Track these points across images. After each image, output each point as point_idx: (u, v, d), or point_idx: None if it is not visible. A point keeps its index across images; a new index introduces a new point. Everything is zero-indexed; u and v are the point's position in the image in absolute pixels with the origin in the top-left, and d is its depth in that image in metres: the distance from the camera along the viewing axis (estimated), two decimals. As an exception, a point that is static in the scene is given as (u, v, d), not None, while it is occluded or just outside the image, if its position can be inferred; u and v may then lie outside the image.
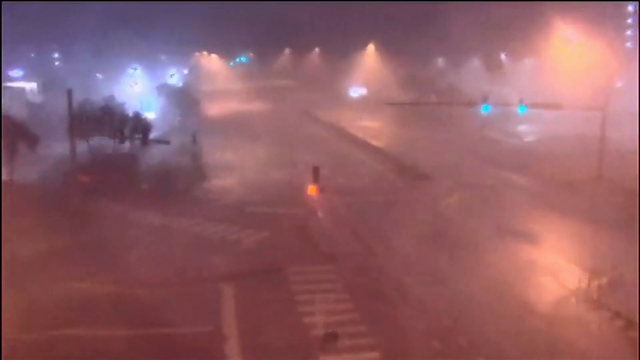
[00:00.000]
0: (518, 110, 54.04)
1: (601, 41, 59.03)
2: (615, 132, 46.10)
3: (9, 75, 79.20)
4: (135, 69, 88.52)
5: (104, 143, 44.26)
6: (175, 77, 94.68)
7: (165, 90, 75.79)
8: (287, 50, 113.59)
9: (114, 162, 42.21)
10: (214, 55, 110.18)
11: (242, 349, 20.69)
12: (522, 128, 67.47)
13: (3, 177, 38.24)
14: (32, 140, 39.76)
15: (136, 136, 39.24)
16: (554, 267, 27.25)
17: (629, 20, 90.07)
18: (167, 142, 41.22)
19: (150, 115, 57.61)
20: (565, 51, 77.51)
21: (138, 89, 78.87)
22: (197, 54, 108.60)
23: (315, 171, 33.65)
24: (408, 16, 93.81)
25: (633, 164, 39.66)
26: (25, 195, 35.57)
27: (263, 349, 20.65)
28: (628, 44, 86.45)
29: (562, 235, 31.43)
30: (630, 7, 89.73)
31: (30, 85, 77.47)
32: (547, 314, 23.00)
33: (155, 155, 44.86)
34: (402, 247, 29.98)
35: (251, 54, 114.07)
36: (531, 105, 52.87)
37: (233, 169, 48.37)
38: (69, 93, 33.14)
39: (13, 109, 42.14)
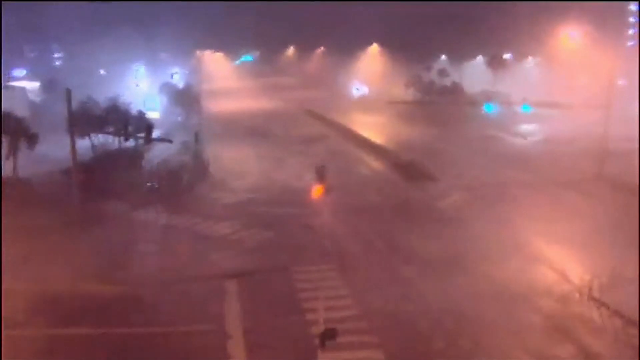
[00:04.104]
0: (521, 109, 54.17)
1: (604, 40, 59.07)
2: (617, 130, 45.94)
3: (11, 75, 79.38)
4: (137, 69, 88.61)
5: (108, 141, 44.61)
6: (177, 75, 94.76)
7: (168, 89, 75.85)
8: (291, 49, 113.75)
9: (117, 160, 42.38)
10: (218, 54, 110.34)
11: (246, 347, 20.68)
12: (526, 127, 67.19)
13: (5, 174, 38.49)
14: (32, 138, 40.02)
15: (139, 135, 39.27)
16: (558, 265, 27.18)
17: (632, 19, 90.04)
18: (169, 141, 41.30)
19: (153, 114, 57.83)
20: (568, 50, 77.52)
21: (141, 87, 78.98)
22: (199, 52, 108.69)
23: (321, 171, 33.59)
24: (412, 15, 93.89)
25: (633, 163, 39.80)
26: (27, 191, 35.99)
27: (266, 347, 20.64)
28: (630, 43, 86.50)
29: (565, 234, 31.30)
30: (633, 6, 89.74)
31: (32, 85, 77.65)
32: (549, 310, 23.00)
33: (158, 153, 44.96)
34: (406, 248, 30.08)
35: (256, 53, 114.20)
36: (535, 104, 52.88)
37: (236, 168, 48.38)
38: (68, 93, 33.27)
39: (15, 108, 42.18)
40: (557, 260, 27.52)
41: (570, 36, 75.79)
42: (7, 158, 39.22)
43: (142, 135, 38.37)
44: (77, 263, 27.55)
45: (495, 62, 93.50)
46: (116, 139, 43.96)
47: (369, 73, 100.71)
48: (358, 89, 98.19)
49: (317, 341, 20.04)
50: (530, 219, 32.76)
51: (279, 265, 27.70)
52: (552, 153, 51.85)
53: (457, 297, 23.90)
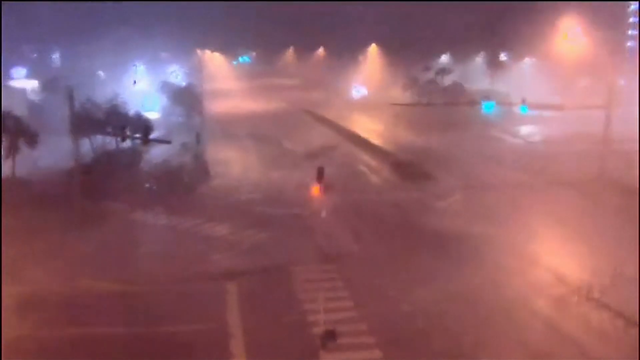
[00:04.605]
0: (520, 109, 53.90)
1: (604, 41, 59.04)
2: (617, 131, 45.82)
3: (10, 75, 79.30)
4: (135, 66, 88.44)
5: (106, 141, 44.60)
6: (177, 75, 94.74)
7: (167, 88, 75.77)
8: (290, 49, 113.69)
9: (115, 160, 42.40)
10: (217, 54, 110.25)
11: (247, 346, 20.65)
12: (526, 129, 66.99)
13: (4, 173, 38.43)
14: (31, 137, 39.96)
15: (137, 135, 39.17)
16: (558, 266, 27.12)
17: (631, 20, 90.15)
18: (168, 142, 41.23)
19: (152, 115, 57.80)
20: (568, 51, 77.61)
21: (140, 87, 78.84)
22: (199, 52, 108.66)
23: (320, 171, 33.43)
24: (411, 16, 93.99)
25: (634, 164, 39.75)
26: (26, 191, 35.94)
27: (267, 347, 20.61)
28: (629, 43, 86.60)
29: (565, 234, 31.28)
30: (633, 6, 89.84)
31: (32, 84, 77.59)
32: (549, 311, 22.92)
33: (159, 154, 44.96)
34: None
35: (254, 53, 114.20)
36: (533, 106, 52.68)
37: (236, 168, 48.34)
38: (70, 91, 33.25)
39: (13, 107, 42.12)
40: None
41: (570, 36, 75.94)
42: (7, 157, 39.13)
43: (140, 136, 38.19)
44: (78, 263, 27.63)
45: (494, 63, 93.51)
46: (114, 140, 43.94)
47: (369, 74, 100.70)
48: (358, 90, 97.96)
49: (318, 342, 20.04)
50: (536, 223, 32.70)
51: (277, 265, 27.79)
52: (553, 155, 51.64)
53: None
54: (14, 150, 39.54)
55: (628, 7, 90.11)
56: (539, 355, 20.10)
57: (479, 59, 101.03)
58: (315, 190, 33.73)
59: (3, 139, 39.12)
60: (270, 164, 49.86)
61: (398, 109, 72.69)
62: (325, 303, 21.88)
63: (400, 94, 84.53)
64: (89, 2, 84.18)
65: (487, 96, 59.49)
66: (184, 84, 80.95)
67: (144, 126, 40.58)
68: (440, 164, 48.30)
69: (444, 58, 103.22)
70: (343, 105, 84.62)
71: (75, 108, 35.86)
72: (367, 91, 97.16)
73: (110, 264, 27.78)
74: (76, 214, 33.42)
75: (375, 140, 60.42)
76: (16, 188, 36.89)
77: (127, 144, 43.21)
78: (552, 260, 27.60)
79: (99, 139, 45.07)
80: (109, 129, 43.04)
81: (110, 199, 37.03)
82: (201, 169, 44.67)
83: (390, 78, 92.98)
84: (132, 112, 48.03)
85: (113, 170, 40.27)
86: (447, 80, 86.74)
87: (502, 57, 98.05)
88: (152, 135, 42.72)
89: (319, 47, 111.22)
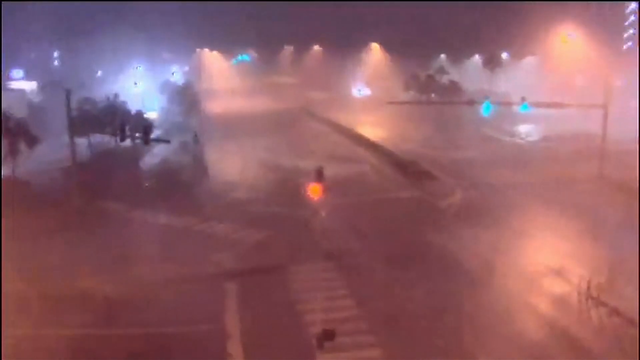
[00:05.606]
0: (520, 109, 53.79)
1: (603, 40, 58.95)
2: (615, 130, 45.82)
3: (9, 76, 79.18)
4: (137, 67, 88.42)
5: (105, 141, 44.56)
6: (177, 75, 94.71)
7: (167, 89, 75.72)
8: (289, 48, 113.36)
9: (113, 159, 42.49)
10: (215, 53, 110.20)
11: (245, 347, 20.65)
12: (526, 128, 66.85)
13: (4, 173, 38.47)
14: (31, 139, 39.97)
15: (137, 135, 39.17)
16: (556, 265, 27.13)
17: (631, 19, 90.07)
18: (167, 141, 41.26)
19: (152, 114, 57.83)
20: (567, 50, 77.66)
21: (141, 87, 78.85)
22: (199, 51, 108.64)
23: (319, 171, 32.97)
24: (411, 14, 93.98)
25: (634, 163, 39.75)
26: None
27: (265, 347, 20.56)
28: (628, 44, 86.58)
29: (564, 234, 31.29)
30: (633, 6, 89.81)
31: (31, 85, 77.51)
32: (548, 310, 22.96)
33: (157, 153, 44.91)
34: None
35: (253, 52, 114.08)
36: (533, 104, 52.64)
37: (234, 168, 48.26)
38: (68, 92, 33.29)
39: (12, 109, 42.09)
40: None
41: (569, 36, 75.94)
42: (7, 158, 39.16)
43: (140, 135, 38.20)
44: (75, 263, 27.51)
45: (492, 62, 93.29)
46: (114, 139, 43.95)
47: (370, 72, 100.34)
48: (360, 90, 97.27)
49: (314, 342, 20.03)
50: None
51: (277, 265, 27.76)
52: (554, 154, 51.61)
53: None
54: (13, 151, 39.54)
55: (627, 7, 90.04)
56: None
57: (479, 58, 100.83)
58: (314, 190, 32.23)
59: (3, 139, 39.11)
60: (266, 164, 49.47)
61: (403, 110, 71.82)
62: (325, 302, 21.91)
63: (402, 93, 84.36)
64: (90, 1, 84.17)
65: (487, 96, 59.34)
66: (181, 83, 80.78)
67: (143, 125, 40.68)
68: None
69: (443, 57, 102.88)
70: (348, 106, 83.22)
71: (74, 108, 35.94)
72: (370, 91, 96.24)
73: (107, 264, 27.64)
74: (73, 214, 33.38)
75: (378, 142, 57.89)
76: (15, 188, 36.90)
77: (127, 143, 43.27)
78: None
79: (98, 138, 45.10)
80: (109, 129, 43.11)
81: (108, 198, 37.03)
82: (199, 168, 44.72)
83: (393, 75, 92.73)
84: (132, 111, 48.15)
85: (111, 169, 40.29)
86: (447, 78, 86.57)
87: (503, 56, 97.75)
88: (152, 135, 42.83)
89: (318, 44, 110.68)
